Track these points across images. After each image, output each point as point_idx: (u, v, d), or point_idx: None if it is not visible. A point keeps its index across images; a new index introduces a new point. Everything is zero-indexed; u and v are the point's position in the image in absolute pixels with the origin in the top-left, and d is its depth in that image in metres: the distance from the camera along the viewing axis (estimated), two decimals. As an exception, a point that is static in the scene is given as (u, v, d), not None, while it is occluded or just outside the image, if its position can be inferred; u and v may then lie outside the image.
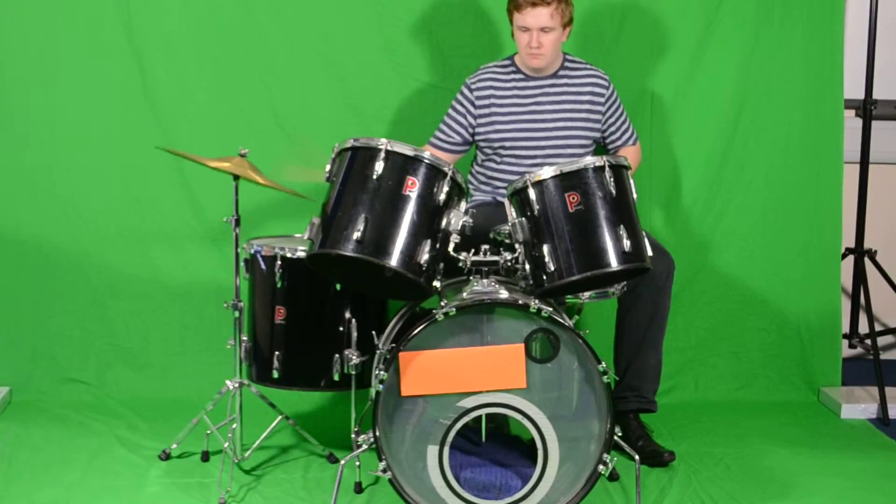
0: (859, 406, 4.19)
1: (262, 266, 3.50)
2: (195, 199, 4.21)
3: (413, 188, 3.09)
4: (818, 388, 4.39)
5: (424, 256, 3.08)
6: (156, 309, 4.24)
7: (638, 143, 3.97)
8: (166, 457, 3.62)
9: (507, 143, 3.77)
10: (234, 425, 3.48)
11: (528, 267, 3.17)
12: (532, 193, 3.13)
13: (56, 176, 4.18)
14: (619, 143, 3.90)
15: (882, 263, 4.41)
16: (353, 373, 3.42)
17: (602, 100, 3.81)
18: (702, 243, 4.37)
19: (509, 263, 3.21)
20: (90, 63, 4.15)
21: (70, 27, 4.13)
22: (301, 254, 3.43)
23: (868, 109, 4.34)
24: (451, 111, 3.84)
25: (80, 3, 4.12)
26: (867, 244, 4.42)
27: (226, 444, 3.41)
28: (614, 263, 3.10)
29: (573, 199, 3.11)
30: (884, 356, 4.58)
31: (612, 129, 3.87)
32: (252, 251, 3.52)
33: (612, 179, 3.14)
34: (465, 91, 3.81)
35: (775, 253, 4.40)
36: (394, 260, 3.05)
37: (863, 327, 4.48)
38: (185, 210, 4.22)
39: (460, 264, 3.19)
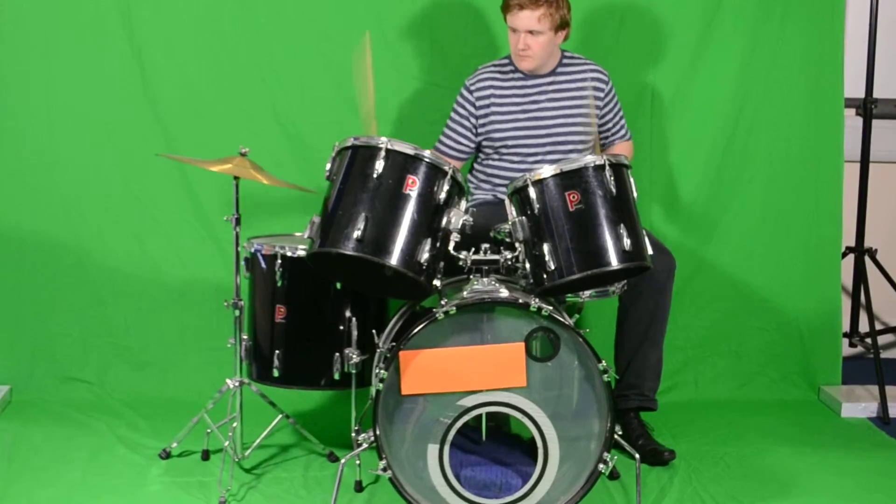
0: (859, 405, 4.19)
1: (263, 265, 3.50)
2: (195, 198, 4.21)
3: (413, 187, 3.09)
4: (818, 386, 4.39)
5: (425, 255, 3.08)
6: (156, 308, 4.24)
7: (630, 142, 3.96)
8: (167, 455, 3.62)
9: (510, 142, 3.77)
10: (235, 424, 3.48)
11: (528, 266, 3.17)
12: (532, 192, 3.13)
13: (56, 175, 4.18)
14: (611, 137, 3.91)
15: (882, 262, 4.41)
16: (354, 372, 3.42)
17: (602, 94, 3.81)
18: (702, 242, 4.37)
19: (509, 262, 3.21)
20: (90, 63, 4.15)
21: (70, 27, 4.13)
22: (301, 252, 3.43)
23: (868, 108, 4.34)
24: (453, 115, 3.83)
25: (80, 3, 4.12)
26: (867, 243, 4.42)
27: (226, 443, 3.41)
28: (614, 262, 3.10)
29: (573, 197, 3.11)
30: (884, 355, 4.58)
31: (608, 125, 3.88)
32: (252, 250, 3.52)
33: (612, 178, 3.14)
34: (465, 93, 3.81)
35: (775, 252, 4.40)
36: (394, 259, 3.05)
37: (863, 326, 4.48)
38: (186, 208, 4.22)
39: (460, 263, 3.19)
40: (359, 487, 3.38)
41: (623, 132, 3.93)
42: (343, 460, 3.26)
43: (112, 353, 4.23)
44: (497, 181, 3.82)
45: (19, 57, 4.14)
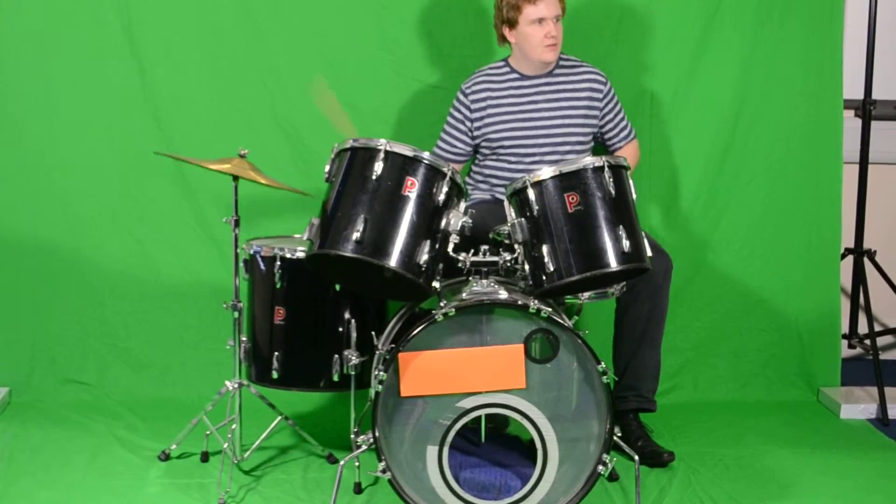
0: (859, 406, 4.19)
1: (262, 266, 3.50)
2: (195, 199, 4.21)
3: (412, 188, 3.09)
4: (817, 388, 4.39)
5: (424, 257, 3.08)
6: (156, 309, 4.24)
7: (636, 140, 3.97)
8: (166, 457, 3.62)
9: (506, 143, 3.77)
10: (234, 426, 3.48)
11: (527, 267, 3.17)
12: (531, 194, 3.13)
13: (56, 176, 4.18)
14: (616, 140, 3.91)
15: (881, 263, 4.41)
16: (353, 373, 3.42)
17: (600, 95, 3.81)
18: (701, 243, 4.37)
19: (509, 264, 3.21)
20: (90, 63, 4.15)
21: (70, 27, 4.13)
22: (300, 254, 3.43)
23: (867, 109, 4.34)
24: (449, 119, 3.84)
25: (80, 4, 4.12)
26: (866, 244, 4.42)
27: (225, 445, 3.41)
28: (613, 264, 3.10)
29: (572, 199, 3.11)
30: (883, 356, 4.58)
31: (610, 126, 3.88)
32: (251, 252, 3.52)
33: (611, 180, 3.14)
34: (461, 97, 3.81)
35: (775, 253, 4.40)
36: (393, 260, 3.05)
37: (862, 327, 4.48)
38: (185, 210, 4.22)
39: (460, 265, 3.20)
40: (358, 489, 3.38)
41: (626, 133, 3.92)
42: (342, 462, 3.26)
43: (111, 355, 4.23)
44: (495, 181, 3.82)
45: (18, 58, 4.14)
